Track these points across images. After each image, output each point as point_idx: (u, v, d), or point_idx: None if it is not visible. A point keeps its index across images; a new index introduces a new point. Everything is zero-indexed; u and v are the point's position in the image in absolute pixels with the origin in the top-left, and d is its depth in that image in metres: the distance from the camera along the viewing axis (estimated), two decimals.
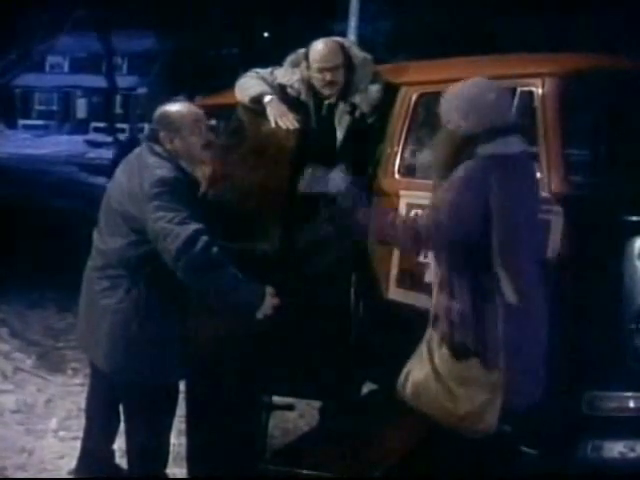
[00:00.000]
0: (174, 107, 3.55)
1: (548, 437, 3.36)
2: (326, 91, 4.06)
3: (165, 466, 3.68)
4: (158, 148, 3.48)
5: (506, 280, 2.98)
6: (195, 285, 3.36)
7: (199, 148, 3.52)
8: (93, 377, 3.83)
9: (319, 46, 4.04)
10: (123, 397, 3.63)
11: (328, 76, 4.01)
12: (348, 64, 4.03)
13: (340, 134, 4.06)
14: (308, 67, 4.06)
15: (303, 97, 4.12)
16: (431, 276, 3.34)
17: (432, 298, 3.21)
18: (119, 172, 3.56)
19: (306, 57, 4.07)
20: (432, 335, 3.15)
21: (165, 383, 3.48)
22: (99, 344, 3.50)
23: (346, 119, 4.05)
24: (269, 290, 3.38)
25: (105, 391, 3.74)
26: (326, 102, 4.10)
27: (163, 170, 3.37)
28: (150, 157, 3.46)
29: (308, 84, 4.10)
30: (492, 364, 3.01)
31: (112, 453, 3.89)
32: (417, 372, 3.17)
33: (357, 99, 4.03)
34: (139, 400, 3.51)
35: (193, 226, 3.23)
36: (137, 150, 3.57)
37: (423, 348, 3.18)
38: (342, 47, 4.05)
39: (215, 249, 3.24)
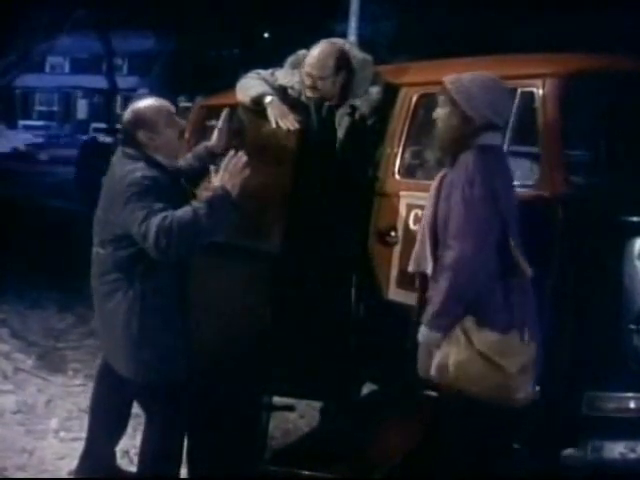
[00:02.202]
0: (146, 104, 3.54)
1: (548, 437, 3.36)
2: (308, 92, 4.06)
3: (179, 468, 3.69)
4: (130, 150, 3.49)
5: (521, 257, 3.13)
6: (193, 251, 3.42)
7: (176, 139, 3.56)
8: (104, 379, 3.82)
9: (315, 51, 4.03)
10: (141, 398, 3.64)
11: (309, 81, 4.01)
12: (346, 69, 4.01)
13: (341, 135, 4.06)
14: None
15: (304, 98, 4.12)
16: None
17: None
18: (104, 183, 3.57)
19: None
20: (467, 322, 3.17)
21: (177, 381, 3.48)
22: (112, 348, 3.55)
23: (346, 120, 4.05)
24: (218, 184, 3.36)
25: (116, 393, 3.75)
26: (326, 104, 4.10)
27: (134, 172, 3.38)
28: (123, 161, 3.48)
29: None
30: (528, 336, 3.15)
31: (114, 454, 3.89)
32: (456, 356, 3.19)
33: (357, 101, 4.03)
34: (157, 401, 3.52)
35: (156, 219, 3.25)
36: (114, 157, 3.58)
37: (460, 336, 3.18)
38: (341, 52, 4.03)
39: (175, 224, 3.23)
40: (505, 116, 3.30)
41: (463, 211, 3.12)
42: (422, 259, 3.33)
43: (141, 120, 3.49)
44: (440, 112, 3.30)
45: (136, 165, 3.42)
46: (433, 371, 3.24)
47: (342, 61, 4.02)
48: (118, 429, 3.87)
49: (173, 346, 3.44)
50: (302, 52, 4.16)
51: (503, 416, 3.18)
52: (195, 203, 3.35)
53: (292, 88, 4.13)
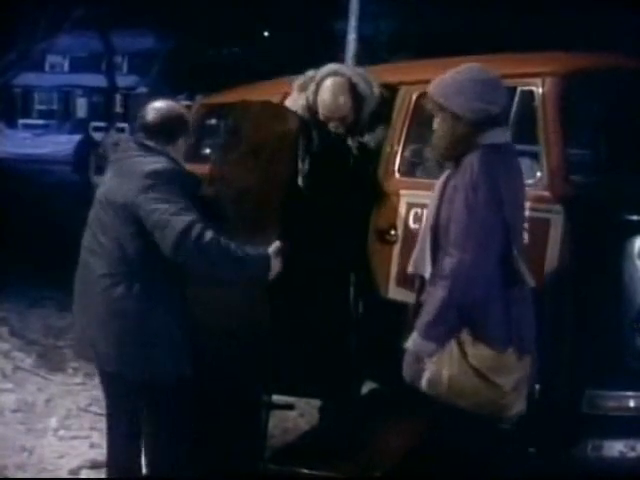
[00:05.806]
0: (182, 110, 3.62)
1: (548, 437, 3.36)
2: (332, 128, 4.06)
3: (186, 470, 3.66)
4: (151, 144, 3.49)
5: (523, 265, 3.04)
6: (198, 270, 3.40)
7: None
8: (104, 384, 3.67)
9: (327, 92, 4.00)
10: (141, 399, 3.60)
11: (333, 124, 4.03)
12: (356, 104, 4.01)
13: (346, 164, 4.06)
14: (314, 99, 4.05)
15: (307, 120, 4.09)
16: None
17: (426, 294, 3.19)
18: (110, 174, 3.56)
19: (316, 84, 4.05)
20: (463, 335, 3.08)
21: (180, 379, 3.45)
22: (108, 345, 3.44)
23: (353, 154, 4.06)
24: (272, 250, 3.41)
25: (120, 398, 3.61)
26: (332, 133, 4.08)
27: (157, 164, 3.41)
28: (142, 152, 3.48)
29: (310, 111, 4.07)
30: (525, 351, 3.08)
31: (139, 465, 3.66)
32: (449, 370, 3.09)
33: (366, 138, 4.06)
34: (160, 402, 3.46)
35: (188, 217, 3.27)
36: (128, 152, 3.56)
37: (454, 348, 3.09)
38: (351, 84, 4.00)
39: (210, 235, 3.26)
40: (500, 103, 3.10)
41: (466, 217, 2.99)
42: (421, 262, 3.23)
43: (184, 126, 3.57)
44: (436, 121, 3.18)
45: (159, 159, 3.45)
46: (424, 383, 3.14)
47: (354, 92, 4.00)
48: (132, 434, 3.74)
49: (175, 342, 3.43)
50: (310, 74, 4.12)
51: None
52: (233, 250, 3.35)
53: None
